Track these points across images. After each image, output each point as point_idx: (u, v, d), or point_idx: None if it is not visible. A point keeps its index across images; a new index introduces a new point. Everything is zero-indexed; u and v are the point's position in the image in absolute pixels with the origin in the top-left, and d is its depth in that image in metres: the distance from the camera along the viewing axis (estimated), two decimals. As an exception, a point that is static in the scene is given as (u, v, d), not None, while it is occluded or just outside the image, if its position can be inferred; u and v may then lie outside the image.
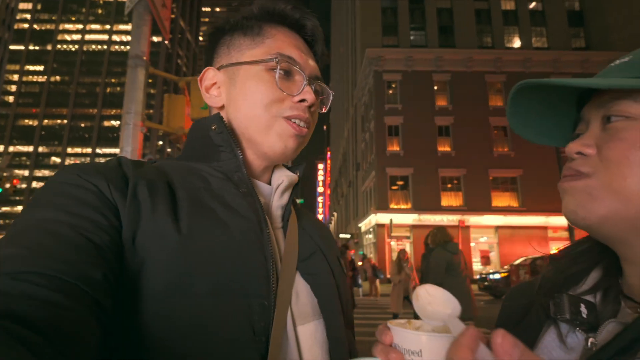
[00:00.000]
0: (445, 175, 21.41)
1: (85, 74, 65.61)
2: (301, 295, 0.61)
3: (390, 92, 22.78)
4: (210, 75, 0.68)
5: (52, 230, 0.44)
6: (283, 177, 0.67)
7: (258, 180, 0.67)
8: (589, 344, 0.45)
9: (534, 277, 0.58)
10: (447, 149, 21.81)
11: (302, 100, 0.64)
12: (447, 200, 21.41)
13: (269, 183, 0.69)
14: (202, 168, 0.63)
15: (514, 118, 0.54)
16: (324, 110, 0.73)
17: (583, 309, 0.47)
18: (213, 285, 0.50)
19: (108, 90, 64.26)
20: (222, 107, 0.67)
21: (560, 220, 17.70)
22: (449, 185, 21.51)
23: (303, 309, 0.60)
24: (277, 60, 0.63)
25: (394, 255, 20.64)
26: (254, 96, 0.63)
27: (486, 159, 21.32)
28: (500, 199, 21.36)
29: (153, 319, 0.47)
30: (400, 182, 21.60)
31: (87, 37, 67.11)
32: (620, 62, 0.47)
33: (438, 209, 21.01)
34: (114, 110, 62.25)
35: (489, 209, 20.98)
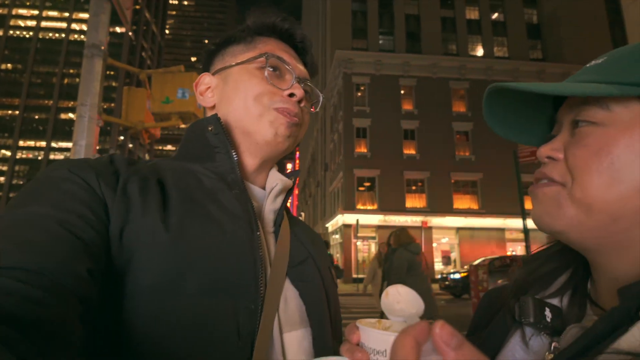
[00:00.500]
0: (410, 177, 21.90)
1: (41, 63, 61.83)
2: (290, 301, 0.61)
3: (359, 94, 23.03)
4: (205, 80, 0.72)
5: (38, 225, 0.43)
6: (277, 181, 0.68)
7: (252, 184, 0.68)
8: (552, 348, 0.45)
9: (506, 280, 0.58)
10: (412, 152, 22.33)
11: (292, 95, 0.67)
12: (412, 201, 21.91)
13: (264, 188, 0.69)
14: (196, 169, 0.63)
15: (492, 119, 0.53)
16: (313, 110, 0.76)
17: (548, 312, 0.47)
18: (202, 284, 0.50)
19: (66, 81, 60.83)
20: (214, 107, 0.70)
21: (517, 223, 18.59)
22: (414, 187, 22.03)
23: (291, 315, 0.60)
24: (266, 56, 0.67)
25: (360, 256, 20.93)
26: (246, 90, 0.66)
27: (449, 162, 22.03)
28: (461, 202, 22.11)
29: (140, 318, 0.47)
30: (367, 184, 21.89)
31: (44, 24, 63.27)
32: (595, 63, 0.46)
33: (402, 210, 21.45)
34: (72, 103, 58.88)
35: (450, 211, 21.67)
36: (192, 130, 0.68)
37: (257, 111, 0.65)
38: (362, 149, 22.23)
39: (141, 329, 0.46)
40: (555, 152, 0.45)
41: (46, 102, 60.71)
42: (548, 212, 0.44)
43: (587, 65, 0.47)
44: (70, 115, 59.42)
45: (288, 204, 0.72)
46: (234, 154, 0.64)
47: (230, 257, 0.54)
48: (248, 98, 0.65)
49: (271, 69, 0.67)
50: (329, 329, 0.65)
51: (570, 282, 0.49)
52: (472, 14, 26.08)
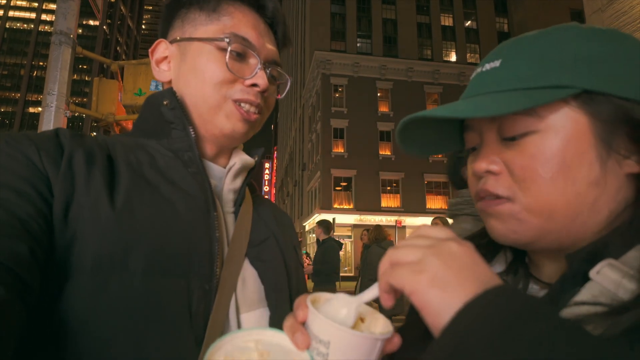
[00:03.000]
0: (385, 178, 22.34)
1: (7, 54, 59.18)
2: (248, 282, 0.59)
3: (337, 95, 23.28)
4: (162, 48, 0.65)
5: None
6: (236, 160, 0.64)
7: (211, 162, 0.64)
8: None
9: None
10: (388, 153, 22.78)
11: (254, 85, 0.61)
12: (386, 201, 22.34)
13: (225, 167, 0.65)
14: (149, 144, 0.60)
15: (408, 146, 0.54)
16: (279, 97, 0.71)
17: None
18: (149, 263, 0.48)
19: (35, 73, 58.43)
20: (170, 82, 0.65)
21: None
22: (388, 188, 22.48)
23: (249, 296, 0.59)
24: (228, 40, 0.59)
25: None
26: (204, 74, 0.59)
27: (422, 164, 22.55)
28: (434, 202, 22.69)
29: (81, 296, 0.44)
30: (344, 183, 22.17)
31: (11, 13, 60.60)
32: (491, 67, 0.45)
33: (378, 209, 21.83)
34: (41, 96, 56.48)
35: (423, 210, 22.17)
36: (146, 105, 0.63)
37: (214, 101, 0.59)
38: (339, 149, 22.48)
39: (84, 308, 0.44)
40: (493, 164, 0.44)
41: (13, 94, 58.15)
42: (512, 229, 0.43)
43: (483, 69, 0.46)
44: (40, 108, 56.95)
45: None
46: (191, 130, 0.59)
47: (181, 236, 0.52)
48: (206, 84, 0.59)
49: (234, 53, 0.60)
50: (287, 308, 0.61)
51: (512, 265, 0.50)
52: (447, 20, 26.79)
